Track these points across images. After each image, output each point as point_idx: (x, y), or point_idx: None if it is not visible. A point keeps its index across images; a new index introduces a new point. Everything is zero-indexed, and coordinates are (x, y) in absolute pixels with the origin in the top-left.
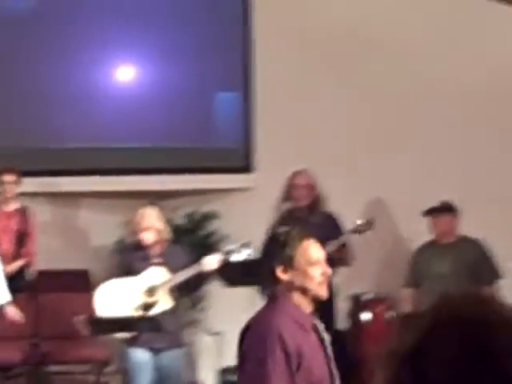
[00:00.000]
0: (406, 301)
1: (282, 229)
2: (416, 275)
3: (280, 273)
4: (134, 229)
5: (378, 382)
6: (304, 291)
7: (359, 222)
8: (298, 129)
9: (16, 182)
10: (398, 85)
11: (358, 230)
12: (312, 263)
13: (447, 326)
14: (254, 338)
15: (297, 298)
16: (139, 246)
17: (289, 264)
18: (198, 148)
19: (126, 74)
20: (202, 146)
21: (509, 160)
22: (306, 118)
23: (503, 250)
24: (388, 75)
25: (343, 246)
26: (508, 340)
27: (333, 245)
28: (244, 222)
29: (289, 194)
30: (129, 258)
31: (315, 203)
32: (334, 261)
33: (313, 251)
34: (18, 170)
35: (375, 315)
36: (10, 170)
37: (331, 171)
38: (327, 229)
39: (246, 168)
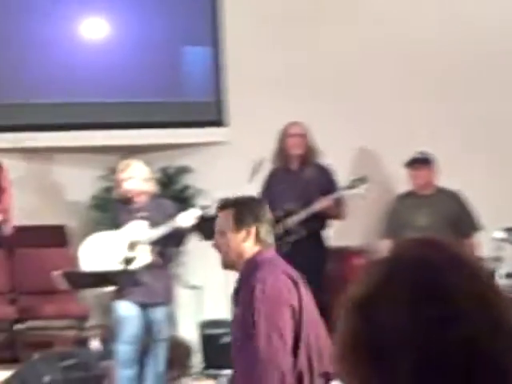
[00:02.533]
0: (384, 252)
1: None
2: (394, 225)
3: None
4: (117, 179)
5: (336, 332)
6: None
7: (353, 178)
8: (270, 82)
9: None
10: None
11: (352, 186)
12: None
13: (399, 272)
14: (249, 290)
15: None
16: (125, 200)
17: None
18: (171, 102)
19: (95, 28)
20: (174, 101)
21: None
22: (277, 70)
23: (484, 202)
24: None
25: (337, 200)
26: (459, 280)
27: (327, 200)
28: (217, 176)
29: (282, 144)
30: (115, 211)
31: (308, 154)
32: (327, 215)
33: None
34: None
35: (349, 266)
36: None
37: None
38: (321, 183)
39: (218, 122)
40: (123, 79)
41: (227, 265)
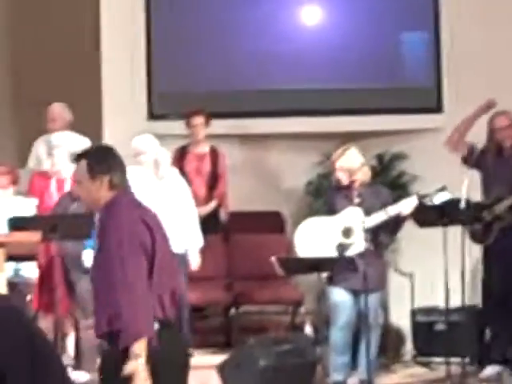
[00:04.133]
0: None
1: None
2: None
3: None
4: (333, 165)
5: None
6: None
7: None
8: (488, 67)
9: (205, 124)
10: None
11: None
12: None
13: None
14: None
15: None
16: (341, 186)
17: None
18: (388, 88)
19: (313, 14)
20: (391, 87)
21: None
22: (497, 54)
23: None
24: None
25: None
26: None
27: None
28: (432, 163)
29: (491, 135)
30: (331, 197)
31: None
32: None
33: None
34: (207, 112)
35: None
36: (198, 113)
37: None
38: None
39: (436, 108)
40: (341, 65)
41: (89, 210)
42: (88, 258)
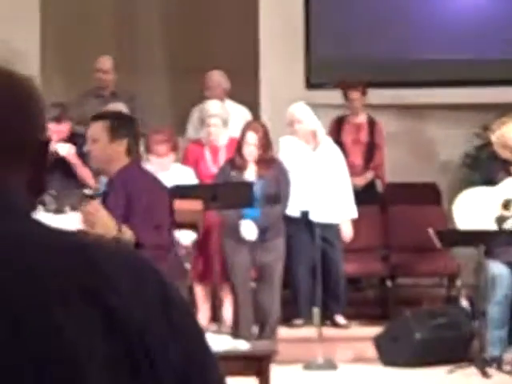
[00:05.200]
0: None
1: None
2: None
3: None
4: (495, 140)
5: None
6: None
7: None
8: None
9: (362, 96)
10: None
11: None
12: None
13: None
14: None
15: None
16: (500, 158)
17: None
18: None
19: None
20: None
21: None
22: None
23: None
24: None
25: None
26: None
27: None
28: None
29: None
30: (490, 169)
31: None
32: None
33: None
34: (364, 83)
35: None
36: (355, 86)
37: None
38: None
39: None
40: (502, 36)
41: (97, 169)
42: (246, 227)
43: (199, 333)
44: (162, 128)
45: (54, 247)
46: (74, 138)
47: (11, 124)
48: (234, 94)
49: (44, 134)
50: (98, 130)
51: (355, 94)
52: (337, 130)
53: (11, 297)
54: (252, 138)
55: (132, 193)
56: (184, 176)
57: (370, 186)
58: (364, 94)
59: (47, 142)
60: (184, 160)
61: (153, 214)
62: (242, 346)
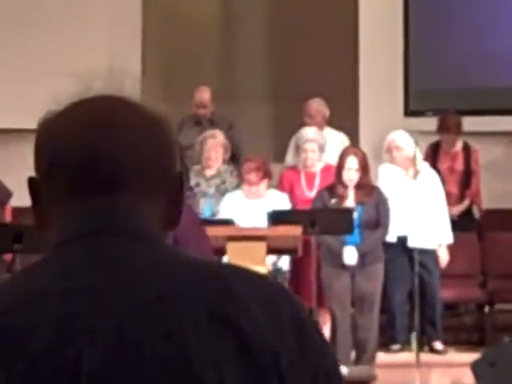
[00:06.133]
0: None
1: None
2: None
3: None
4: None
5: None
6: None
7: None
8: None
9: (458, 126)
10: None
11: None
12: None
13: None
14: None
15: None
16: None
17: None
18: None
19: None
20: None
21: None
22: None
23: None
24: None
25: None
26: None
27: None
28: None
29: None
30: None
31: None
32: None
33: None
34: (459, 112)
35: None
36: (451, 117)
37: None
38: None
39: None
40: None
41: None
42: (349, 253)
43: (331, 354)
44: (254, 156)
45: (188, 273)
46: None
47: (158, 163)
48: (334, 122)
49: (178, 168)
50: None
51: (451, 122)
52: (432, 156)
53: (147, 320)
54: (352, 163)
55: None
56: (279, 201)
57: (467, 213)
58: (459, 125)
59: (181, 176)
60: (279, 186)
61: None
62: (342, 371)
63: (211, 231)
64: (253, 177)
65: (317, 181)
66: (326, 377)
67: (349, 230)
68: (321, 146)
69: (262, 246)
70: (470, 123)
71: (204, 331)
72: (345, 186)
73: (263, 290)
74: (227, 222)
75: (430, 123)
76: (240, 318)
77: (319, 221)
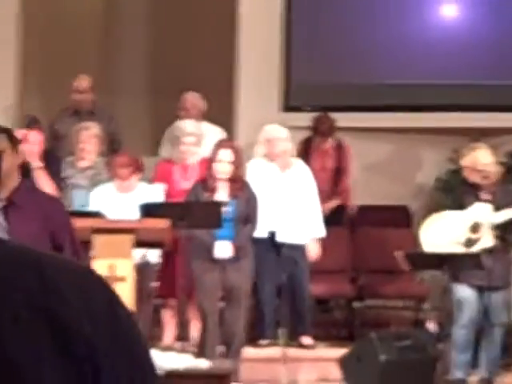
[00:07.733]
0: None
1: None
2: None
3: None
4: (466, 164)
5: None
6: None
7: None
8: None
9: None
10: None
11: None
12: None
13: None
14: None
15: None
16: (472, 183)
17: None
18: None
19: (450, 14)
20: None
21: None
22: None
23: None
24: None
25: None
26: None
27: None
28: None
29: None
30: (461, 193)
31: None
32: None
33: None
34: (333, 118)
35: None
36: (324, 119)
37: None
38: None
39: None
40: (474, 61)
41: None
42: (222, 247)
43: (144, 344)
44: (128, 151)
45: (4, 260)
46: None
47: None
48: (211, 116)
49: None
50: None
51: (324, 126)
52: (304, 152)
53: None
54: (224, 155)
55: None
56: (152, 194)
57: (339, 209)
58: (332, 125)
59: None
60: (154, 178)
61: None
62: (203, 364)
63: (78, 223)
64: (123, 172)
65: (192, 173)
66: (140, 367)
67: (217, 224)
68: (198, 139)
69: (128, 239)
70: (347, 119)
71: (22, 324)
72: (216, 179)
73: (77, 277)
74: (95, 214)
75: (308, 119)
76: (56, 306)
77: (188, 214)
